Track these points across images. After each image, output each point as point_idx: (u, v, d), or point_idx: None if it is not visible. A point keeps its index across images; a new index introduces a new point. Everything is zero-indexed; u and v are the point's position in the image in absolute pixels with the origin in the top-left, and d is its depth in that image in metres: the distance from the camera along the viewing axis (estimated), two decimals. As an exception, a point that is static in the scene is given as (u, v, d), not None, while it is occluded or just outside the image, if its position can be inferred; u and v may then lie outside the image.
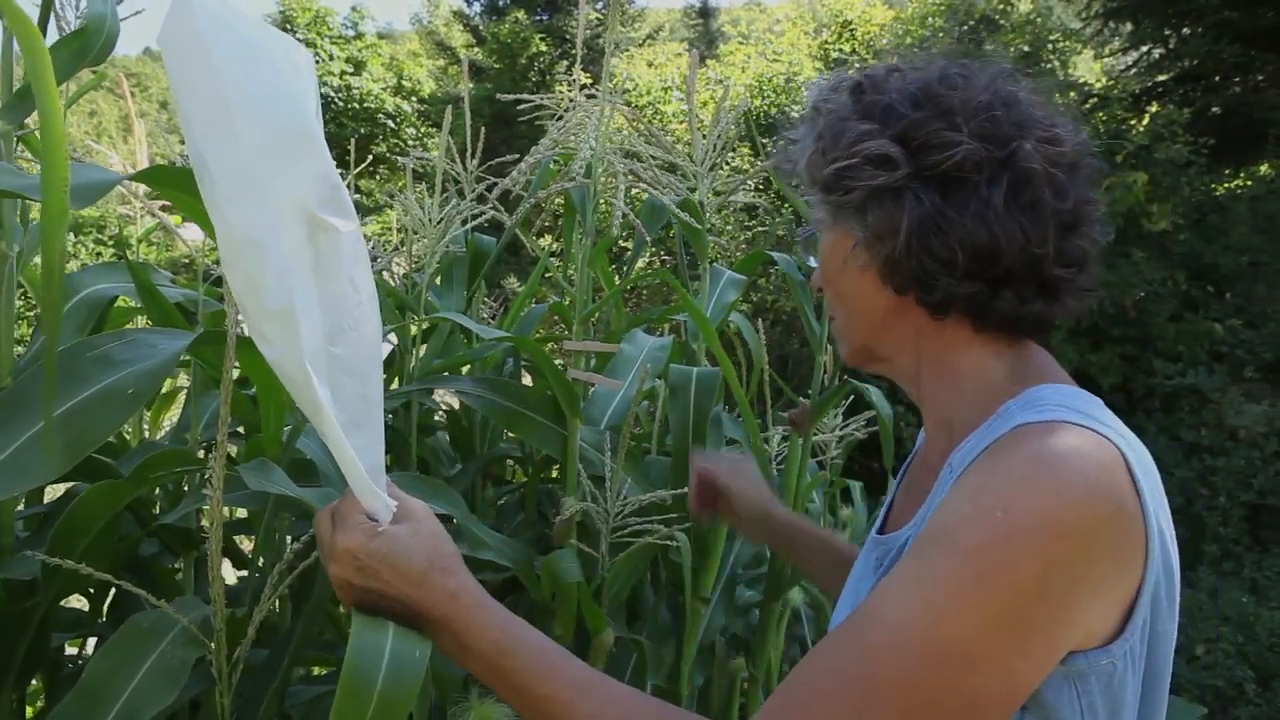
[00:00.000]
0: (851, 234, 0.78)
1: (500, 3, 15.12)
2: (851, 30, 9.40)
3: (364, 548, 0.71)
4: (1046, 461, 0.67)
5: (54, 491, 1.18)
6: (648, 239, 1.32)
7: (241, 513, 1.39)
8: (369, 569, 0.71)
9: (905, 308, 0.80)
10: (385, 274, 1.46)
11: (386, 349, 1.46)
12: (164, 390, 1.64)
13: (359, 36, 16.24)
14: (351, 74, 15.16)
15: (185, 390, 1.55)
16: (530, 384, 1.43)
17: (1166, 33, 7.23)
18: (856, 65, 0.88)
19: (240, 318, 0.73)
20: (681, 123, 7.24)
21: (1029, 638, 0.64)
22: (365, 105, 14.93)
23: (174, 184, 0.88)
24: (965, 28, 8.48)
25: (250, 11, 0.67)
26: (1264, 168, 6.93)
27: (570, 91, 1.35)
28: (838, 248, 0.81)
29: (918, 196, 0.74)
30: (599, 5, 13.79)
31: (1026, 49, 7.83)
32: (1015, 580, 0.64)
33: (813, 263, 0.89)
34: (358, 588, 0.72)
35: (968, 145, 0.73)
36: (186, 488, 1.18)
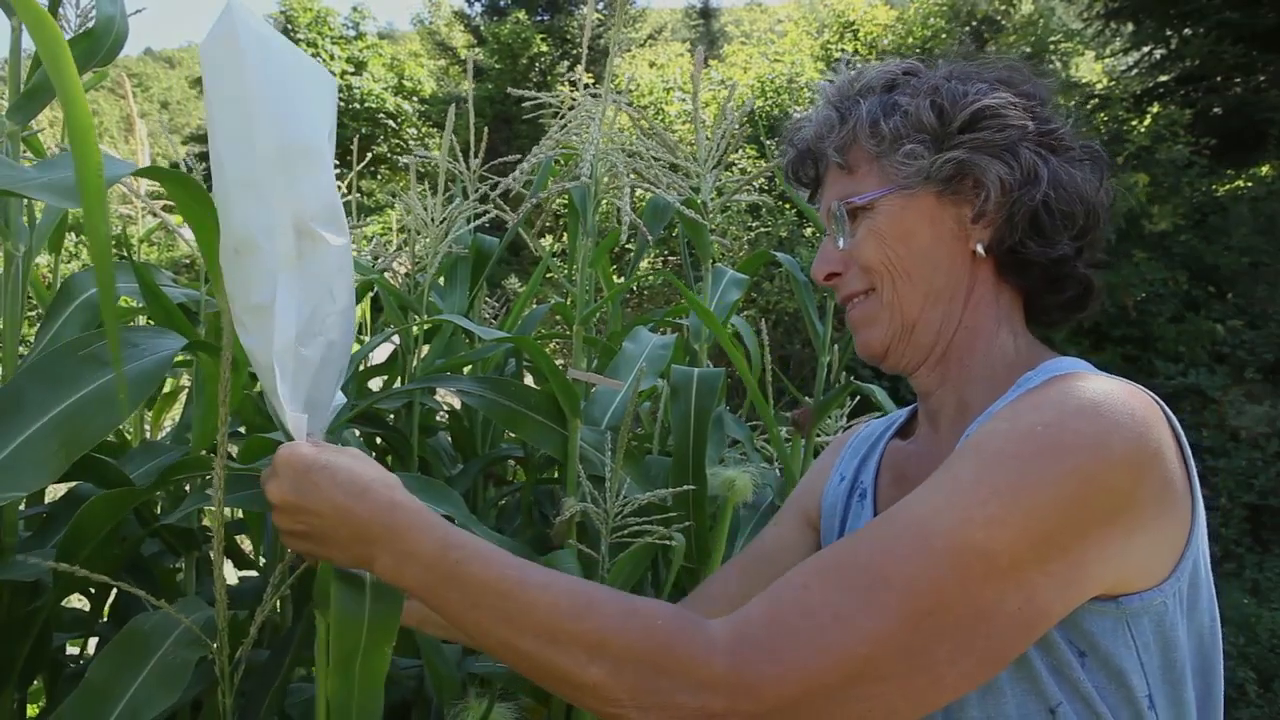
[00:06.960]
0: (982, 180, 0.78)
1: (501, 3, 15.13)
2: (854, 31, 9.39)
3: (312, 454, 0.71)
4: (1091, 395, 0.66)
5: (54, 492, 1.18)
6: (650, 240, 1.31)
7: (241, 513, 1.39)
8: (309, 479, 0.70)
9: (977, 273, 0.81)
10: (387, 274, 1.46)
11: (388, 349, 1.46)
12: (166, 390, 1.64)
13: (360, 37, 16.25)
14: (352, 74, 15.16)
15: (187, 390, 1.55)
16: (532, 384, 1.42)
17: (1168, 33, 7.23)
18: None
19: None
20: (685, 123, 7.23)
21: (1056, 559, 0.61)
22: (366, 105, 14.92)
23: (172, 180, 0.88)
24: (967, 29, 8.49)
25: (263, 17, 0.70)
26: (1265, 168, 6.93)
27: (573, 91, 1.35)
28: (919, 207, 0.80)
29: (1039, 153, 0.79)
30: (600, 6, 13.79)
31: (1028, 50, 7.84)
32: (1054, 496, 0.61)
33: (841, 244, 0.84)
34: (291, 503, 0.71)
35: (1061, 120, 0.81)
36: (188, 488, 1.18)
